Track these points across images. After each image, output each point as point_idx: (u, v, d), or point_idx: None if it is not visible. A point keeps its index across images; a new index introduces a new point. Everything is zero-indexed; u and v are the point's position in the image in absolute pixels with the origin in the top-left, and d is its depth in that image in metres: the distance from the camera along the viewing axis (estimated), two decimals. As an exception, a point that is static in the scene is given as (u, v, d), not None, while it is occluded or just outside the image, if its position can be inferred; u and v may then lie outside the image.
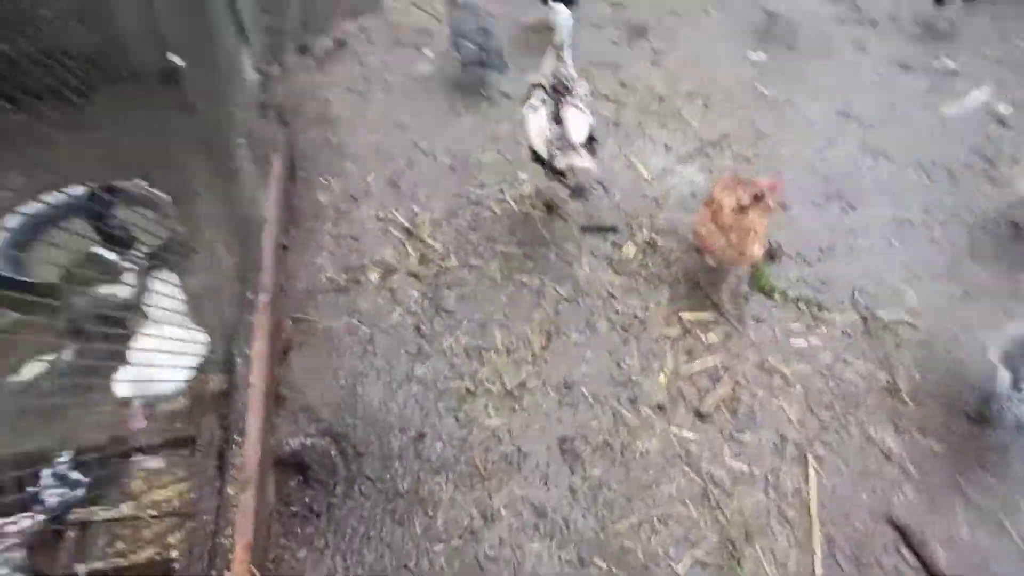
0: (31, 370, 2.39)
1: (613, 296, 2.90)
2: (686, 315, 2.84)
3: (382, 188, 3.40)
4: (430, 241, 3.12)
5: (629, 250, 3.11)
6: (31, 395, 2.29)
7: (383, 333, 2.74)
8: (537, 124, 2.80)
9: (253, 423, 2.31)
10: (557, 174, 2.79)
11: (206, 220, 2.92)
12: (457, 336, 2.73)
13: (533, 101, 2.84)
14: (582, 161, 2.68)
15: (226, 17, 3.27)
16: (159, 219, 2.90)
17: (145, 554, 1.92)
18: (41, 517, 1.89)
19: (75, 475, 1.98)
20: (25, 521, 1.87)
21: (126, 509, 1.99)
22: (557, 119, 2.76)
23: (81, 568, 1.85)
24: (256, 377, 2.46)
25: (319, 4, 4.70)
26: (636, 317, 2.83)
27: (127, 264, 2.61)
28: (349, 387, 2.56)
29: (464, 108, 3.92)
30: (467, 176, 3.46)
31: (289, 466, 2.38)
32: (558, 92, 2.80)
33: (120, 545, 1.94)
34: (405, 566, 2.06)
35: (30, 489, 1.92)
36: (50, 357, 2.47)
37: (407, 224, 3.20)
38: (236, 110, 3.13)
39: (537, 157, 2.86)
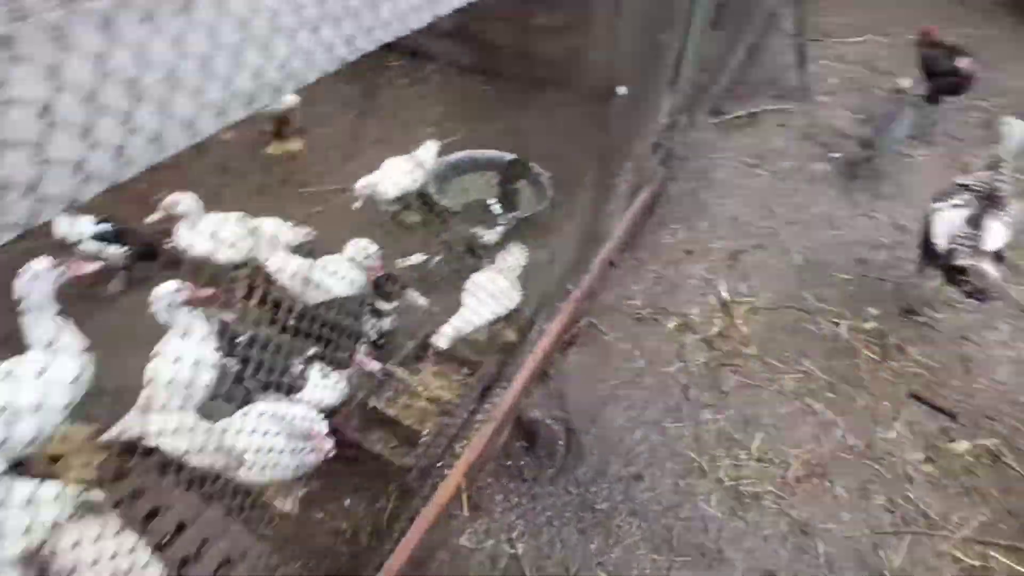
0: (415, 259, 3.19)
1: (910, 479, 2.48)
2: (999, 556, 2.26)
3: (721, 256, 3.48)
4: (739, 323, 3.10)
5: (960, 447, 2.60)
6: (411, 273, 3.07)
7: (654, 376, 2.86)
8: (948, 219, 2.74)
9: (519, 381, 2.68)
10: (952, 272, 2.69)
11: (568, 213, 3.43)
12: (717, 418, 2.68)
13: (955, 200, 2.78)
14: (989, 267, 2.59)
15: (670, 65, 3.73)
16: (539, 197, 3.52)
17: (407, 416, 2.45)
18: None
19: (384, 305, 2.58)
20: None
21: (414, 380, 2.56)
22: (974, 224, 2.69)
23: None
24: (539, 349, 2.84)
25: (752, 78, 4.95)
26: (926, 518, 2.37)
27: (502, 220, 3.25)
28: (601, 401, 2.75)
29: (841, 220, 3.73)
30: (811, 285, 3.31)
31: (523, 430, 2.69)
32: (986, 200, 2.73)
33: (398, 400, 2.51)
34: (566, 568, 2.17)
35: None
36: (424, 257, 3.26)
37: (727, 296, 3.23)
38: (638, 140, 3.57)
39: (930, 254, 2.79)
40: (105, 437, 2.17)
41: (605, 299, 3.24)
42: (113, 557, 1.61)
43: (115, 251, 2.97)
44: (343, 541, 2.24)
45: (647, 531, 2.29)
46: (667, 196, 3.92)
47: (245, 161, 4.10)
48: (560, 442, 2.65)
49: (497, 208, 3.18)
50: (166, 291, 2.15)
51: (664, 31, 3.31)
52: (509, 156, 3.76)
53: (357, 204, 3.29)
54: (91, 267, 2.26)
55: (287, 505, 2.31)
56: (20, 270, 1.96)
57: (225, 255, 2.87)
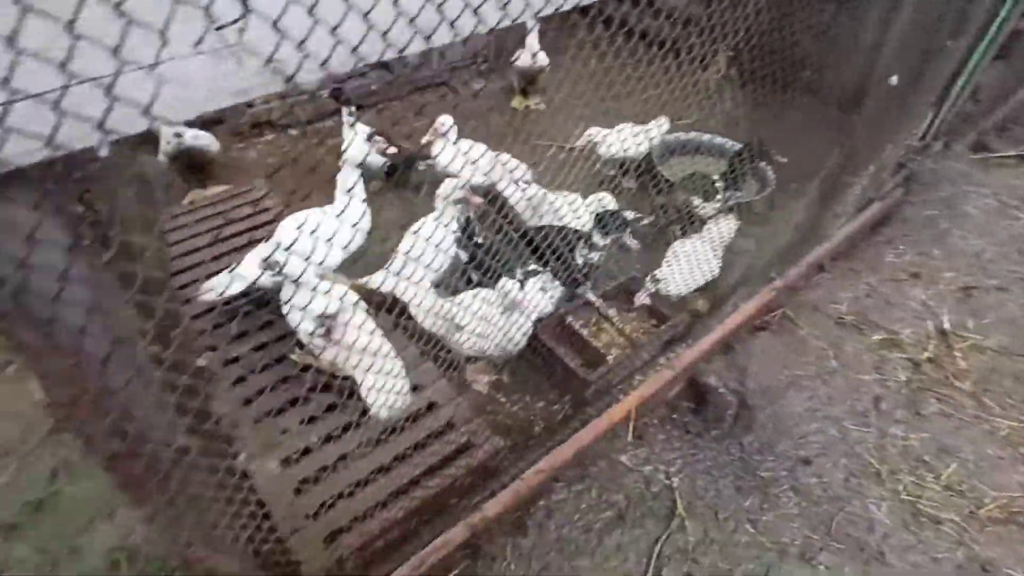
0: (627, 215, 3.41)
1: None
2: None
3: (952, 288, 3.21)
4: (958, 356, 2.86)
5: None
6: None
7: (845, 379, 2.77)
8: None
9: (704, 344, 2.78)
10: None
11: (787, 207, 3.39)
12: (909, 437, 2.54)
13: None
14: None
15: (938, 85, 3.48)
16: (760, 188, 3.53)
17: (596, 341, 2.69)
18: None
19: (600, 240, 2.80)
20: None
21: (613, 313, 2.79)
22: None
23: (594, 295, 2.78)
24: (729, 322, 2.90)
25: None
26: None
27: (722, 197, 3.33)
28: (783, 385, 2.74)
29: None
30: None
31: (695, 391, 2.79)
32: None
33: (592, 325, 2.76)
34: (715, 513, 2.26)
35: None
36: (635, 215, 3.45)
37: (948, 327, 2.99)
38: (882, 151, 3.40)
39: None
40: (362, 280, 2.70)
41: (807, 297, 3.18)
42: (363, 332, 2.10)
43: (376, 160, 3.59)
44: (518, 427, 2.55)
45: (806, 510, 2.28)
46: (901, 216, 3.68)
47: (489, 109, 4.64)
48: (730, 412, 2.71)
49: (720, 184, 3.26)
50: (453, 186, 2.63)
51: (940, 45, 3.11)
52: (736, 145, 3.82)
53: (580, 142, 3.57)
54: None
55: (481, 384, 2.68)
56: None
57: (473, 176, 3.34)
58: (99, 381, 0.82)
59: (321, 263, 2.43)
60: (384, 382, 2.14)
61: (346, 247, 2.51)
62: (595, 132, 3.55)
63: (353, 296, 2.25)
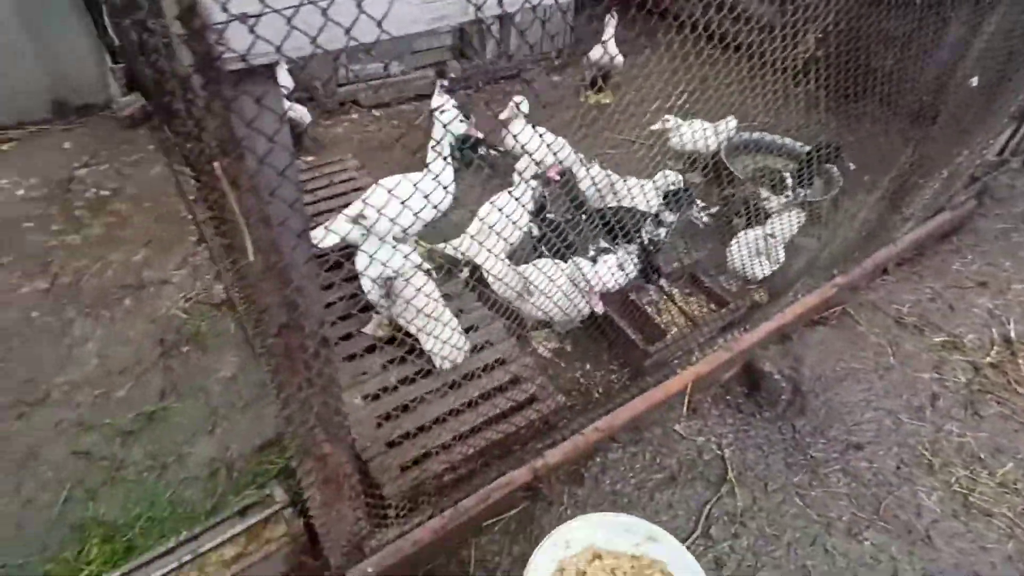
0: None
1: None
2: None
3: (1020, 299, 3.20)
4: (1022, 363, 2.85)
5: None
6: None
7: (902, 376, 2.81)
8: None
9: (761, 330, 2.87)
10: None
11: (853, 210, 3.44)
12: (965, 434, 2.56)
13: None
14: None
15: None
16: (827, 189, 3.58)
17: (657, 317, 2.83)
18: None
19: (669, 217, 2.93)
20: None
21: (676, 292, 2.92)
22: None
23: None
24: (788, 312, 2.98)
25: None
26: None
27: (791, 192, 3.39)
28: (839, 375, 2.80)
29: None
30: None
31: (749, 375, 2.87)
32: None
33: (654, 301, 2.90)
34: (765, 485, 2.35)
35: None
36: (701, 205, 3.56)
37: (1014, 336, 2.98)
38: (965, 154, 3.38)
39: None
40: (440, 246, 2.91)
41: (869, 297, 3.22)
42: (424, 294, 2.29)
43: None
44: (577, 391, 2.70)
45: (855, 491, 2.35)
46: (972, 227, 3.66)
47: (563, 101, 4.81)
48: (783, 396, 2.79)
49: (790, 180, 3.33)
50: (527, 163, 2.81)
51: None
52: (805, 147, 3.88)
53: (656, 126, 3.69)
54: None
55: (544, 348, 2.85)
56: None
57: (544, 156, 3.51)
58: (290, 256, 1.03)
59: (407, 227, 2.65)
60: (442, 338, 2.33)
61: (435, 208, 2.71)
62: (672, 120, 3.67)
63: (417, 258, 2.44)
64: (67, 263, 3.09)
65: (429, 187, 2.65)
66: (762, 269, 3.07)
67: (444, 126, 2.77)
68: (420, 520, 2.03)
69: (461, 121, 2.97)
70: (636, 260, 2.79)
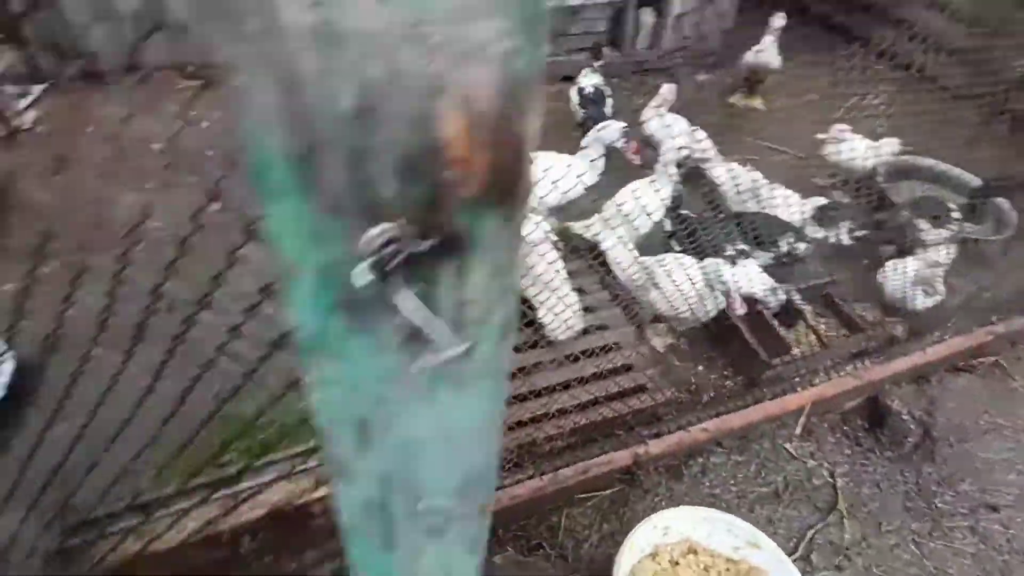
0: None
1: None
2: None
3: None
4: None
5: None
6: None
7: (1056, 443, 2.53)
8: None
9: (898, 364, 2.68)
10: None
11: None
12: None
13: None
14: None
15: None
16: (998, 229, 3.25)
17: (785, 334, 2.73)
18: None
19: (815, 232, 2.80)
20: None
21: (809, 313, 2.80)
22: None
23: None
24: (929, 352, 2.76)
25: None
26: None
27: (954, 227, 3.11)
28: (980, 429, 2.57)
29: None
30: None
31: (875, 409, 2.69)
32: None
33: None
34: (878, 523, 2.22)
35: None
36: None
37: None
38: None
39: None
40: (572, 224, 2.96)
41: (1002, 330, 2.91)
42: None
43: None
44: (687, 389, 2.66)
45: (982, 552, 2.15)
46: None
47: (708, 101, 4.68)
48: (910, 439, 2.59)
49: (957, 214, 3.06)
50: (672, 153, 2.82)
51: None
52: (976, 180, 3.54)
53: (821, 135, 3.51)
54: (637, 155, 3.01)
55: (658, 343, 2.83)
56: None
57: (677, 148, 3.43)
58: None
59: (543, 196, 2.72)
60: (555, 310, 2.37)
61: (577, 184, 2.77)
62: (844, 130, 3.46)
63: (547, 226, 2.49)
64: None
65: (581, 169, 2.71)
66: (923, 301, 2.86)
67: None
68: (520, 478, 2.11)
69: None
70: (767, 269, 2.70)
